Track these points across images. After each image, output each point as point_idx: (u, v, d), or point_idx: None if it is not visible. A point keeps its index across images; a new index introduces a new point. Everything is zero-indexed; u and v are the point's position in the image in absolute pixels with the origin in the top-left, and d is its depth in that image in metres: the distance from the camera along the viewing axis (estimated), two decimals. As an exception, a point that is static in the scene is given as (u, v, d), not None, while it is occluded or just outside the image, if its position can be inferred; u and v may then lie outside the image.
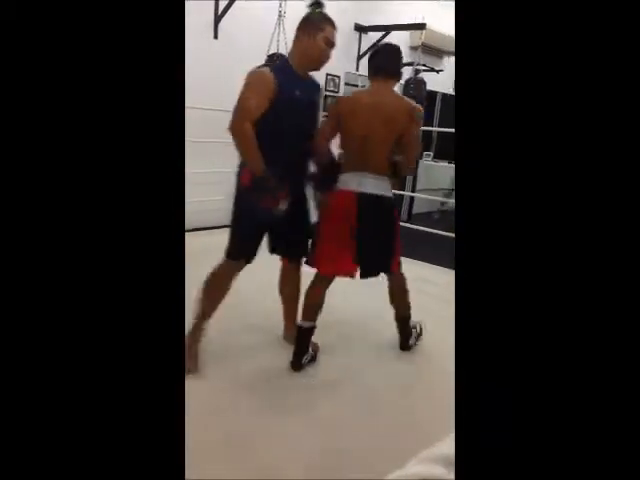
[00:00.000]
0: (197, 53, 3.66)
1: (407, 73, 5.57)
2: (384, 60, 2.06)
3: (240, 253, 2.01)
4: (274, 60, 3.66)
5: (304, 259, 2.16)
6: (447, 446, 0.42)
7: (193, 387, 1.60)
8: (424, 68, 5.52)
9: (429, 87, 5.57)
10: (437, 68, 5.82)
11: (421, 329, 2.43)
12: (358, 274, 2.09)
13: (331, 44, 1.92)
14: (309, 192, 2.09)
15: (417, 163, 2.97)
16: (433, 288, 3.21)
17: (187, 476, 0.73)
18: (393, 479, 0.37)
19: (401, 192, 4.46)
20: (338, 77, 5.25)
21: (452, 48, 6.07)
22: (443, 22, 5.83)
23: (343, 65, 5.28)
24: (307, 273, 2.20)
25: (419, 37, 5.44)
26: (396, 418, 1.82)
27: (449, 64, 6.42)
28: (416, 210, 6.04)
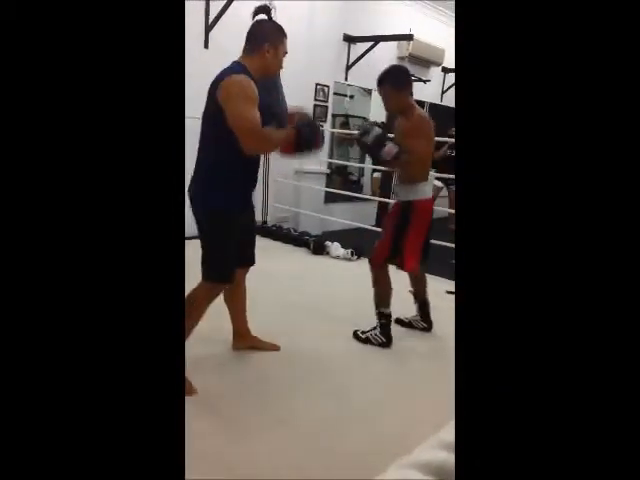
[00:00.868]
0: (188, 63, 3.67)
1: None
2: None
3: (224, 273, 1.92)
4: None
5: (393, 261, 2.41)
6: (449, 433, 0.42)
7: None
8: (412, 78, 5.59)
9: (417, 97, 5.64)
10: (424, 78, 5.90)
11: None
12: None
13: (286, 54, 1.92)
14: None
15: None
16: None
17: (187, 476, 0.73)
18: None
19: (387, 200, 4.49)
20: (327, 87, 5.30)
21: (439, 59, 6.17)
22: (430, 33, 5.93)
23: (332, 75, 5.33)
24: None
25: (406, 48, 5.51)
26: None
27: (436, 74, 6.51)
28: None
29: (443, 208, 4.44)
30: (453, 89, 6.85)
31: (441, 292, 3.21)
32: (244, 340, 2.31)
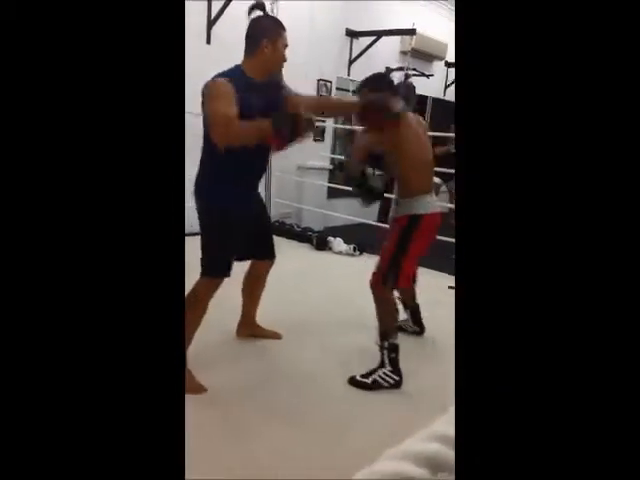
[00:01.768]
0: (190, 58, 3.68)
1: (397, 78, 5.62)
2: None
3: (221, 268, 1.96)
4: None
5: (384, 278, 2.10)
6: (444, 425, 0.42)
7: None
8: (414, 73, 5.58)
9: (419, 91, 5.64)
10: (427, 73, 5.88)
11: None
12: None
13: (285, 46, 1.92)
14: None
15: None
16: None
17: (187, 476, 0.73)
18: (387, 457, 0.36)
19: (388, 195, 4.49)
20: (330, 82, 5.29)
21: (442, 53, 6.15)
22: (433, 27, 5.90)
23: (335, 70, 5.32)
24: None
25: (409, 42, 5.49)
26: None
27: (439, 68, 6.48)
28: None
29: (442, 203, 4.43)
30: (456, 84, 6.81)
31: (444, 287, 3.22)
32: (248, 328, 2.41)
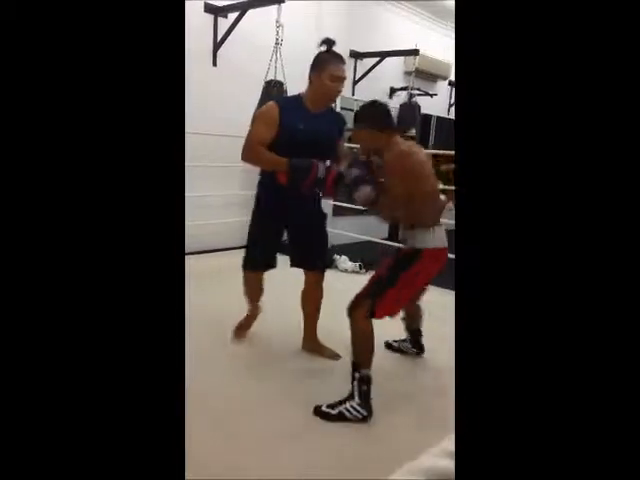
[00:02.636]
0: (197, 81, 3.75)
1: (402, 98, 5.69)
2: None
3: (253, 264, 2.31)
4: (272, 86, 3.76)
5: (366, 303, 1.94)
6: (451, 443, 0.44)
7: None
8: (418, 92, 5.65)
9: (424, 111, 5.70)
10: (431, 92, 5.94)
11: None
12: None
13: (336, 78, 2.00)
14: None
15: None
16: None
17: (187, 476, 0.73)
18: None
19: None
20: (335, 102, 5.35)
21: (445, 73, 6.22)
22: (436, 48, 5.98)
23: (339, 90, 5.39)
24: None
25: (413, 63, 5.56)
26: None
27: (443, 88, 6.56)
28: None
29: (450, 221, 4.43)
30: (460, 103, 6.87)
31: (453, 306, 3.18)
32: (309, 343, 2.48)
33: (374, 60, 5.39)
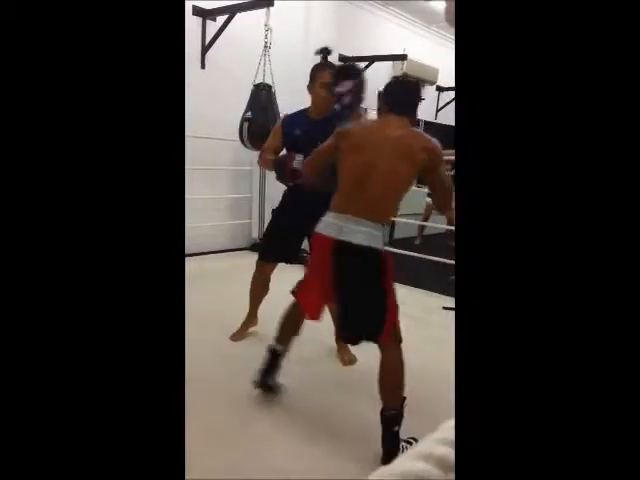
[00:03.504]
0: (185, 82, 3.73)
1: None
2: (401, 95, 1.83)
3: (269, 255, 2.50)
4: (260, 89, 3.76)
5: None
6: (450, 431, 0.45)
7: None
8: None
9: (412, 115, 5.73)
10: (419, 97, 5.99)
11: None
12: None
13: (326, 85, 2.18)
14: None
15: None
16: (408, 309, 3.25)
17: (187, 476, 0.73)
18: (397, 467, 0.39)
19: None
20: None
21: (433, 78, 6.28)
22: (424, 53, 6.04)
23: (328, 94, 5.40)
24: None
25: (401, 67, 5.61)
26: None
27: (430, 93, 6.61)
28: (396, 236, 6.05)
29: (442, 225, 4.47)
30: (447, 107, 6.96)
31: (437, 308, 3.22)
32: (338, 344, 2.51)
33: (362, 65, 5.42)
